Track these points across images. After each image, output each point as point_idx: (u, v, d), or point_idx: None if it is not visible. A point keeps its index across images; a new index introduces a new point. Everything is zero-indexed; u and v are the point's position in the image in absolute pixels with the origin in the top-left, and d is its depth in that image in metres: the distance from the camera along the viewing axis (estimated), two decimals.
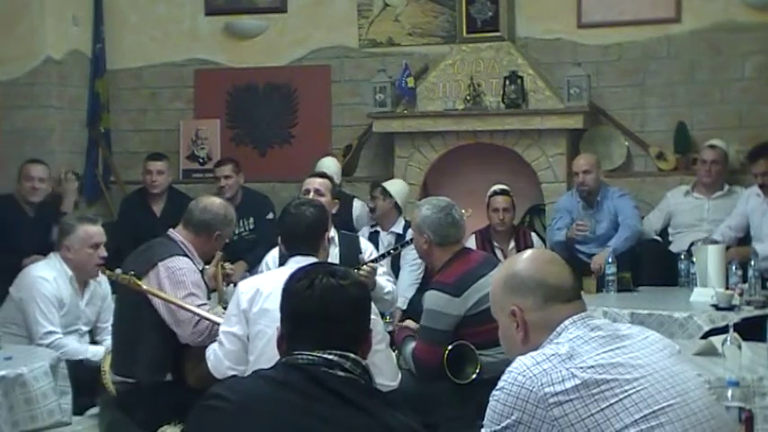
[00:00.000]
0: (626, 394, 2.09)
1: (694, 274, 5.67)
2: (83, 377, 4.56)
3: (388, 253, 5.24)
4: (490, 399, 2.14)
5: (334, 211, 5.15)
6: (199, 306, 4.06)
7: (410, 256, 6.11)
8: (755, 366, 3.77)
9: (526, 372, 2.10)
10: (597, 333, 2.19)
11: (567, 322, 2.21)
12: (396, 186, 6.65)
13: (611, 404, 2.07)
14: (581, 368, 2.09)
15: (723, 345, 3.85)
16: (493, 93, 7.16)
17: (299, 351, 2.08)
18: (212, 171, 7.28)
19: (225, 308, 3.98)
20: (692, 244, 6.19)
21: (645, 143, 7.20)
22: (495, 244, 6.52)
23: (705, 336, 4.63)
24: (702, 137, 6.93)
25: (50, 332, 4.82)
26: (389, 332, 4.44)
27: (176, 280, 4.09)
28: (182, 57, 8.03)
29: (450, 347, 4.06)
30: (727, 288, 5.30)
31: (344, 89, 7.77)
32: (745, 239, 6.31)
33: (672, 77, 7.14)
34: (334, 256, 4.75)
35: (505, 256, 6.13)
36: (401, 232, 6.42)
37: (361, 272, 4.67)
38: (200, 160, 8.01)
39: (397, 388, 3.64)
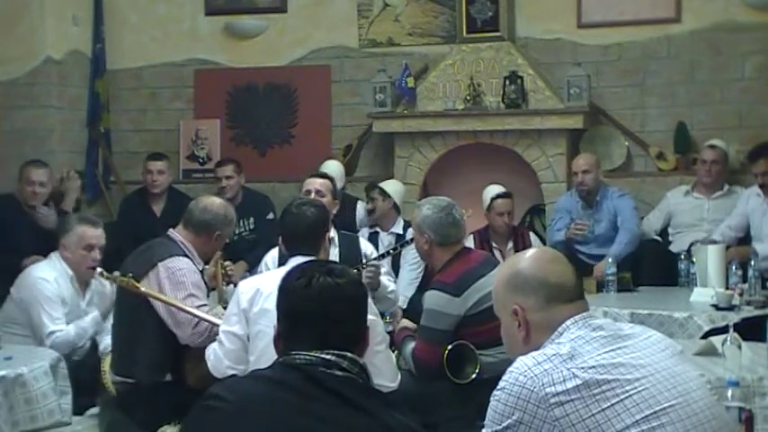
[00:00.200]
0: (627, 394, 2.08)
1: (694, 274, 5.67)
2: (83, 377, 4.56)
3: (389, 253, 5.25)
4: (491, 398, 2.13)
5: (334, 211, 5.16)
6: (199, 307, 4.06)
7: (410, 256, 6.12)
8: (755, 366, 3.77)
9: (527, 372, 2.09)
10: (599, 333, 2.18)
11: (568, 322, 2.20)
12: (393, 186, 6.65)
13: (613, 404, 2.06)
14: (582, 368, 2.09)
15: (723, 345, 3.85)
16: (493, 93, 7.16)
17: (297, 351, 2.08)
18: (213, 171, 7.28)
19: (225, 308, 3.99)
20: (692, 244, 6.19)
21: (645, 143, 7.20)
22: (494, 244, 6.52)
23: (705, 336, 4.62)
24: (702, 137, 6.92)
25: (55, 331, 4.82)
26: (389, 332, 4.44)
27: (176, 280, 4.09)
28: (182, 57, 8.03)
29: (449, 347, 4.06)
30: (727, 288, 5.30)
31: (344, 89, 7.77)
32: (744, 239, 6.31)
33: (672, 77, 7.14)
34: (334, 256, 4.75)
35: (504, 257, 6.13)
36: (401, 232, 6.43)
37: (367, 271, 4.68)
38: (200, 160, 8.01)
39: (396, 388, 3.64)
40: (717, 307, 5.02)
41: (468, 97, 7.17)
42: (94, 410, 4.67)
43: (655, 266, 6.23)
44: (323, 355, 2.05)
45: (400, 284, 6.00)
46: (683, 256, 5.93)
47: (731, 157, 6.79)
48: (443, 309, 4.09)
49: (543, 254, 2.38)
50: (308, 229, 3.81)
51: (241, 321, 3.60)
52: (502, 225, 6.50)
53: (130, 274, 4.11)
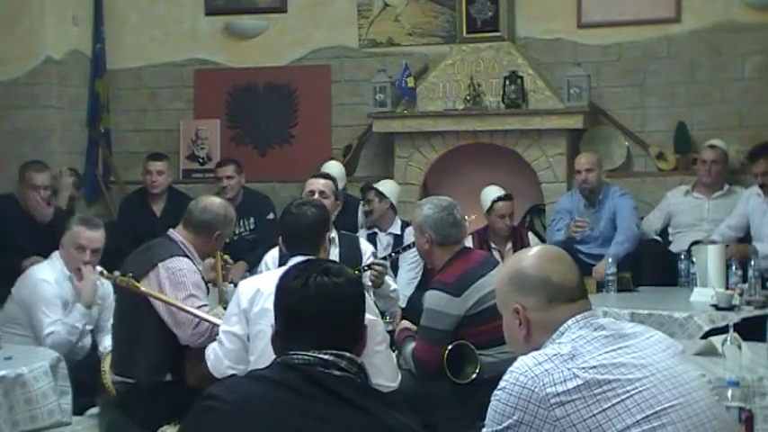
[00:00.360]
0: (628, 395, 2.08)
1: (694, 274, 5.67)
2: (83, 377, 4.56)
3: (391, 255, 5.25)
4: (492, 398, 2.13)
5: (336, 212, 5.16)
6: (199, 307, 4.06)
7: (409, 255, 6.12)
8: (755, 366, 3.77)
9: (528, 372, 2.09)
10: (600, 333, 2.18)
11: (570, 322, 2.20)
12: (388, 187, 6.65)
13: (613, 404, 2.06)
14: (583, 368, 2.09)
15: (723, 345, 3.85)
16: (493, 93, 7.16)
17: (295, 350, 2.07)
18: (213, 171, 7.28)
19: (225, 308, 3.98)
20: (692, 244, 6.19)
21: (645, 143, 7.20)
22: (493, 245, 6.52)
23: (705, 336, 4.63)
24: (702, 137, 6.92)
25: (52, 332, 4.82)
26: (389, 332, 4.44)
27: (176, 281, 4.09)
28: (182, 57, 8.03)
29: (450, 347, 4.06)
30: (727, 288, 5.30)
31: (344, 89, 7.76)
32: (744, 239, 6.31)
33: (672, 77, 7.14)
34: (334, 256, 4.75)
35: (503, 258, 6.13)
36: (399, 233, 6.45)
37: (373, 270, 4.69)
38: (200, 160, 8.01)
39: (397, 388, 3.64)
40: (717, 307, 5.02)
41: (468, 97, 7.17)
42: (94, 410, 4.67)
43: (655, 266, 6.23)
44: (321, 355, 2.05)
45: (399, 283, 6.00)
46: (683, 256, 5.93)
47: (731, 157, 6.80)
48: (443, 309, 4.09)
49: (546, 252, 2.36)
50: (308, 229, 3.81)
51: (241, 321, 3.60)
52: (503, 227, 6.51)
53: (130, 274, 4.11)
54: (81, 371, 4.62)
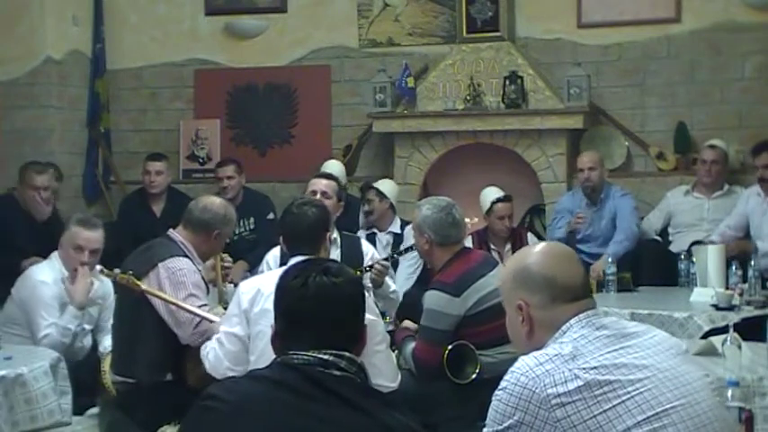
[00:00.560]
0: (629, 396, 2.07)
1: (694, 274, 5.67)
2: (83, 377, 4.55)
3: (393, 256, 5.25)
4: (493, 398, 2.13)
5: (338, 213, 5.16)
6: (199, 307, 4.06)
7: (409, 254, 6.11)
8: (755, 366, 3.77)
9: (529, 372, 2.09)
10: (602, 332, 2.17)
11: (572, 321, 2.19)
12: (388, 186, 6.67)
13: (614, 406, 2.06)
14: (584, 369, 2.08)
15: (723, 345, 3.85)
16: (493, 93, 7.16)
17: (294, 350, 2.07)
18: (214, 171, 7.28)
19: (225, 308, 3.98)
20: (692, 244, 6.18)
21: (645, 143, 7.20)
22: (492, 246, 6.52)
23: (705, 336, 4.62)
24: (702, 137, 6.92)
25: (47, 334, 4.81)
26: (389, 332, 4.44)
27: (176, 281, 4.09)
28: (182, 57, 8.03)
29: (450, 347, 4.06)
30: (727, 288, 5.30)
31: (344, 89, 7.77)
32: (744, 240, 6.30)
33: (672, 77, 7.14)
34: (335, 257, 4.75)
35: (502, 259, 6.13)
36: (398, 231, 6.45)
37: (374, 270, 4.69)
38: (200, 160, 8.01)
39: (396, 388, 3.64)
40: (717, 307, 5.02)
41: (468, 97, 7.17)
42: (94, 410, 4.67)
43: (655, 266, 6.23)
44: (320, 355, 2.04)
45: (398, 278, 6.01)
46: (683, 256, 5.93)
47: (731, 157, 6.80)
48: (443, 309, 4.09)
49: (553, 250, 2.34)
50: (308, 229, 3.81)
51: (242, 322, 3.60)
52: (502, 229, 6.51)
53: (131, 272, 4.11)
54: (81, 371, 4.62)
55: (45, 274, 4.97)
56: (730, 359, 3.75)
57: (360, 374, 2.08)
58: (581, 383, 2.06)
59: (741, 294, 5.19)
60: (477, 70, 7.20)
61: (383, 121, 7.42)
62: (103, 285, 5.07)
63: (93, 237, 4.98)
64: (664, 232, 6.79)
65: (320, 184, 5.17)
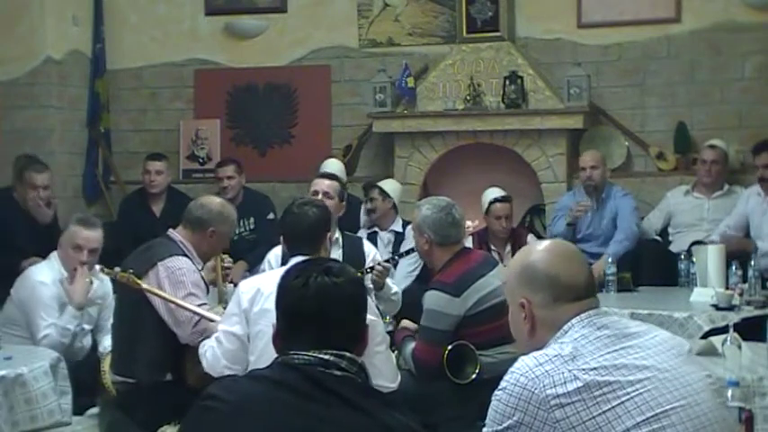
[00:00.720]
0: (628, 397, 2.06)
1: (694, 274, 5.67)
2: (83, 377, 4.56)
3: (394, 258, 5.25)
4: (492, 398, 2.12)
5: (340, 213, 5.15)
6: (198, 306, 4.06)
7: (406, 248, 6.12)
8: (755, 366, 3.77)
9: (528, 373, 2.08)
10: (603, 332, 2.16)
11: (574, 320, 2.18)
12: (391, 186, 6.69)
13: (613, 407, 2.05)
14: (583, 370, 2.08)
15: (723, 345, 3.85)
16: (493, 93, 7.16)
17: (295, 350, 2.07)
18: (214, 171, 7.27)
19: (225, 308, 3.98)
20: (692, 244, 6.18)
21: (645, 143, 7.20)
22: (492, 247, 6.51)
23: (705, 336, 4.62)
24: (702, 137, 6.92)
25: (46, 335, 4.81)
26: (389, 332, 4.44)
27: (176, 280, 4.09)
28: (182, 57, 8.03)
29: (449, 347, 4.06)
30: (727, 288, 5.30)
31: (344, 89, 7.76)
32: (744, 239, 6.31)
33: (672, 77, 7.14)
34: (337, 257, 4.75)
35: (502, 259, 6.14)
36: (400, 230, 6.46)
37: (376, 271, 4.69)
38: (200, 160, 8.01)
39: (396, 388, 3.64)
40: (717, 307, 5.02)
41: (468, 97, 7.17)
42: (94, 410, 4.67)
43: (655, 266, 6.23)
44: (321, 355, 2.04)
45: (397, 277, 6.02)
46: (683, 256, 5.93)
47: (731, 157, 6.80)
48: (443, 309, 4.09)
49: (558, 248, 2.31)
50: (308, 229, 3.80)
51: (241, 322, 3.60)
52: (499, 229, 6.50)
53: (131, 270, 4.11)
54: (81, 371, 4.62)
55: (44, 275, 4.97)
56: (730, 359, 3.75)
57: (360, 374, 2.07)
58: (580, 384, 2.06)
59: (741, 294, 5.19)
60: (477, 70, 7.20)
61: (383, 121, 7.42)
62: (103, 285, 5.08)
63: (93, 236, 4.99)
64: (664, 232, 6.79)
65: (323, 185, 5.16)
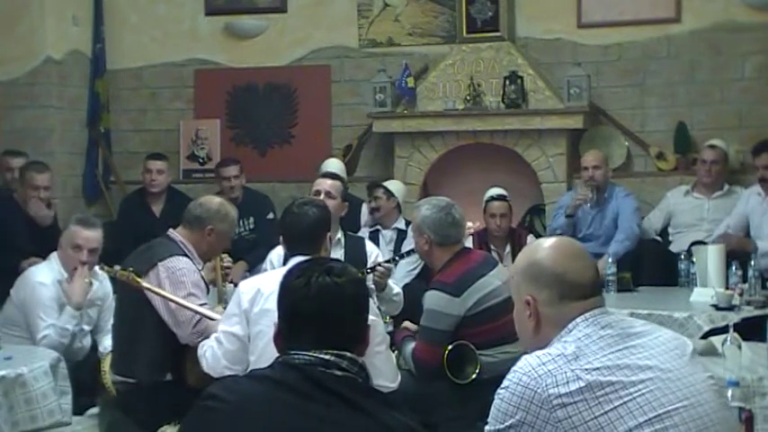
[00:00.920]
0: (631, 397, 2.06)
1: (694, 274, 5.67)
2: (83, 377, 4.56)
3: (394, 259, 5.26)
4: (495, 397, 2.12)
5: (343, 213, 5.15)
6: (199, 306, 4.06)
7: (407, 249, 6.12)
8: (755, 366, 3.77)
9: (531, 372, 2.08)
10: (607, 332, 2.15)
11: (578, 319, 2.17)
12: (396, 186, 6.74)
13: (615, 407, 2.05)
14: (586, 370, 2.07)
15: (723, 345, 3.85)
16: (493, 93, 7.16)
17: (296, 350, 2.07)
18: (216, 171, 7.24)
19: (225, 308, 3.98)
20: (692, 244, 6.18)
21: (645, 143, 7.20)
22: (492, 247, 6.51)
23: (705, 336, 4.62)
24: (702, 137, 6.92)
25: (45, 336, 4.80)
26: (389, 332, 4.44)
27: (176, 280, 4.09)
28: (182, 57, 8.03)
29: (450, 347, 4.06)
30: (727, 288, 5.30)
31: (344, 89, 7.76)
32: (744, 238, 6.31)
33: (672, 77, 7.14)
34: (339, 257, 4.74)
35: (502, 259, 6.13)
36: (403, 228, 6.47)
37: (377, 272, 4.69)
38: (200, 160, 8.01)
39: (396, 388, 3.64)
40: (717, 307, 5.02)
41: (468, 97, 7.17)
42: (94, 410, 4.67)
43: (655, 266, 6.23)
44: (322, 355, 2.04)
45: (396, 276, 6.02)
46: (683, 256, 5.93)
47: (731, 157, 6.80)
48: (443, 309, 4.09)
49: (564, 246, 2.29)
50: (308, 229, 3.80)
51: (242, 322, 3.59)
52: (495, 228, 6.50)
53: (131, 269, 4.11)
54: (81, 371, 4.62)
55: (44, 276, 4.97)
56: (730, 359, 3.75)
57: (361, 375, 2.07)
58: (583, 384, 2.05)
59: (741, 294, 5.19)
60: (477, 70, 7.20)
61: (383, 121, 7.42)
62: (103, 287, 5.08)
63: (92, 236, 4.98)
64: (664, 232, 6.79)
65: (325, 185, 5.15)
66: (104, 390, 4.43)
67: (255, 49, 7.91)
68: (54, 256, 5.07)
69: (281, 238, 3.98)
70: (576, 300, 2.19)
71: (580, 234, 6.59)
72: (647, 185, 7.13)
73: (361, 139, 7.70)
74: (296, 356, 2.05)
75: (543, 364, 2.09)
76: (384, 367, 3.60)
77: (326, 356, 2.04)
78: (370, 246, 5.12)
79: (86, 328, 5.05)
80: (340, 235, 4.94)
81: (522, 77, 7.05)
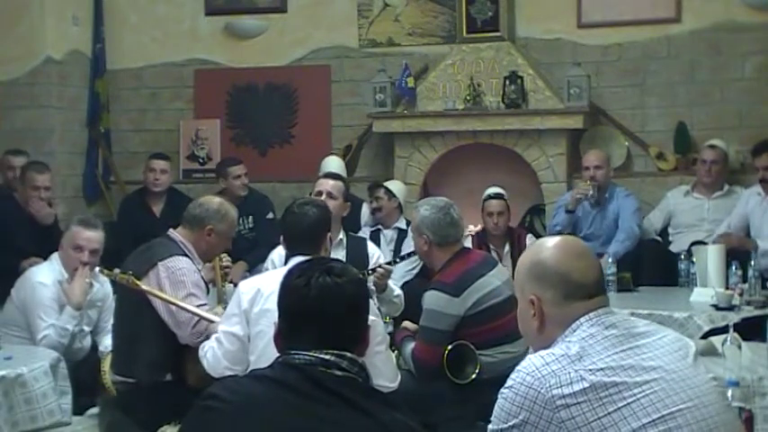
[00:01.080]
0: (634, 398, 2.05)
1: (694, 274, 5.67)
2: (83, 377, 4.56)
3: (395, 261, 5.27)
4: (499, 396, 2.12)
5: (345, 213, 5.15)
6: (198, 306, 4.06)
7: (408, 248, 6.12)
8: (755, 366, 3.77)
9: (535, 372, 2.08)
10: (611, 332, 2.15)
11: (582, 319, 2.16)
12: (397, 186, 6.76)
13: (619, 408, 2.04)
14: (590, 370, 2.07)
15: (723, 345, 3.85)
16: (493, 93, 7.16)
17: (296, 350, 2.07)
18: (222, 171, 7.15)
19: (225, 308, 3.98)
20: (692, 244, 6.18)
21: (645, 143, 7.20)
22: (491, 247, 6.51)
23: (705, 336, 4.62)
24: (702, 137, 6.92)
25: (45, 336, 4.80)
26: (389, 333, 4.44)
27: (176, 280, 4.09)
28: (182, 57, 8.03)
29: (449, 347, 4.06)
30: (727, 288, 5.30)
31: (344, 89, 7.76)
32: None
33: (672, 77, 7.14)
34: (340, 258, 4.74)
35: (501, 259, 6.13)
36: (404, 227, 6.48)
37: (377, 273, 4.69)
38: (200, 160, 8.01)
39: (396, 388, 3.64)
40: (717, 307, 5.02)
41: (468, 97, 7.17)
42: (94, 410, 4.67)
43: (655, 266, 6.23)
44: (322, 355, 2.05)
45: (395, 276, 6.01)
46: (683, 256, 5.93)
47: (731, 157, 6.80)
48: (443, 309, 4.09)
49: (569, 245, 2.28)
50: (308, 229, 3.80)
51: (241, 322, 3.59)
52: (492, 226, 6.50)
53: (130, 272, 4.11)
54: (81, 371, 4.62)
55: (44, 276, 4.97)
56: (730, 359, 3.75)
57: (361, 375, 2.08)
58: (586, 385, 2.05)
59: (741, 294, 5.19)
60: (477, 70, 7.20)
61: (383, 121, 7.42)
62: (103, 288, 5.08)
63: (94, 236, 4.99)
64: (664, 232, 6.79)
65: (327, 185, 5.14)
66: (104, 390, 4.44)
67: (255, 49, 7.91)
68: (55, 256, 5.07)
69: (281, 238, 3.98)
70: (581, 299, 2.18)
71: (581, 234, 6.58)
72: (647, 185, 7.13)
73: (361, 139, 7.70)
74: (296, 356, 2.06)
75: (547, 364, 2.09)
76: (384, 367, 3.60)
77: (327, 356, 2.05)
78: (372, 247, 5.11)
79: (86, 328, 5.05)
80: (342, 235, 4.94)
81: (522, 77, 7.05)
